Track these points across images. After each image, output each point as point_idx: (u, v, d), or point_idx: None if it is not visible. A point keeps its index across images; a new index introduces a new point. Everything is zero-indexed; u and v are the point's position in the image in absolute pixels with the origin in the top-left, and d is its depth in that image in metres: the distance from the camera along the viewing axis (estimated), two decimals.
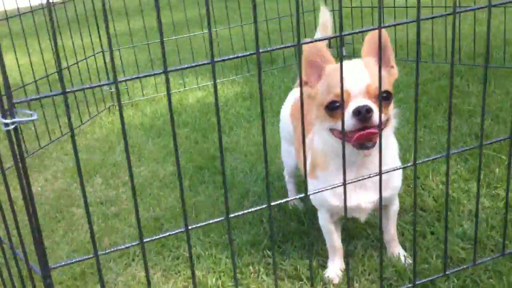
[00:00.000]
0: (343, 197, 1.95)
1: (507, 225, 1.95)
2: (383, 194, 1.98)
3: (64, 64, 4.33)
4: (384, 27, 1.59)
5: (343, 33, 1.51)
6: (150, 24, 4.71)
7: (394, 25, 1.61)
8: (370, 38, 1.87)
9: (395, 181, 2.00)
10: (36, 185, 3.37)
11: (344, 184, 1.64)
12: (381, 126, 1.70)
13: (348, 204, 1.95)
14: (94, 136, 4.14)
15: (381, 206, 1.80)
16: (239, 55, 1.46)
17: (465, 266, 1.98)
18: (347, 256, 1.97)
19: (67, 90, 1.20)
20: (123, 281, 2.33)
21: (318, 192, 1.74)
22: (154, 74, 1.34)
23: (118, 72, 4.33)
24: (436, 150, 3.03)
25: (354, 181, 1.69)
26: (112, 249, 1.51)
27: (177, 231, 1.54)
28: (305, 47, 1.86)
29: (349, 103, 1.76)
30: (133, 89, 5.01)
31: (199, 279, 2.24)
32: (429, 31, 4.56)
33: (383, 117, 1.80)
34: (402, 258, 2.15)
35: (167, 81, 1.33)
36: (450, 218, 2.38)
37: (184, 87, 4.90)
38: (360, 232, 2.39)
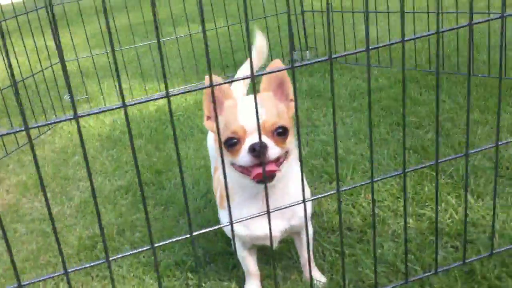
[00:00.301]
0: (250, 226, 2.00)
1: (407, 253, 1.98)
2: (292, 223, 2.02)
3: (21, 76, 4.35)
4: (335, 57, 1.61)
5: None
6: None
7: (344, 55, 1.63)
8: (268, 74, 1.89)
9: (302, 210, 2.03)
10: None
11: (269, 213, 1.66)
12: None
13: (256, 233, 1.99)
14: (52, 146, 4.17)
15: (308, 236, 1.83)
16: (236, 78, 1.49)
17: None
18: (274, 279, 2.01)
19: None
20: None
21: (225, 226, 1.79)
22: (156, 99, 1.40)
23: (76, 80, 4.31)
24: (374, 167, 3.06)
25: (259, 214, 1.71)
26: (37, 279, 1.59)
27: (98, 262, 1.61)
28: (206, 78, 1.89)
29: (246, 139, 1.79)
30: (96, 98, 5.03)
31: None
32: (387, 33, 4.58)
33: (281, 151, 1.82)
34: (316, 283, 2.19)
35: (169, 104, 1.37)
36: (371, 238, 2.41)
37: (147, 94, 4.93)
38: (283, 253, 2.43)
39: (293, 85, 1.62)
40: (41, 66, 4.59)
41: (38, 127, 1.38)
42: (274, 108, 1.85)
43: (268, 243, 2.07)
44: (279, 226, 2.00)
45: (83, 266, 1.62)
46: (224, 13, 4.98)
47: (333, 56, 1.53)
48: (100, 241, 2.75)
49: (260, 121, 1.79)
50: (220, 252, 2.49)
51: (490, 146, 1.94)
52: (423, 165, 1.98)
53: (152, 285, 2.37)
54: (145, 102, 1.48)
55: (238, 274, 2.33)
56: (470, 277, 2.09)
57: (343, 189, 1.80)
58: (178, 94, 1.56)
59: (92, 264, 1.65)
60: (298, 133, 1.62)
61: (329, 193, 1.80)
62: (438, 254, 2.23)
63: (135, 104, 1.43)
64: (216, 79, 1.92)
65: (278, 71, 1.84)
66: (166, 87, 1.39)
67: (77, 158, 3.86)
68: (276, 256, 2.41)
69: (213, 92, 1.49)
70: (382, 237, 2.44)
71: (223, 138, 1.83)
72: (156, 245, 1.58)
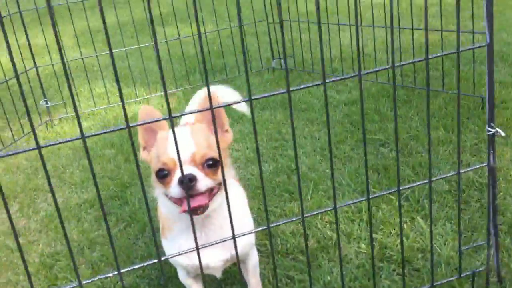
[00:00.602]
0: (191, 257, 2.03)
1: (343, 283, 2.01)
2: (233, 252, 2.05)
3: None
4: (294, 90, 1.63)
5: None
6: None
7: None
8: (201, 102, 1.93)
9: (244, 239, 2.06)
10: None
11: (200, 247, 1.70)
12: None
13: (197, 263, 2.02)
14: (26, 154, 4.19)
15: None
16: (235, 102, 1.53)
17: None
18: None
19: None
20: None
21: (169, 257, 1.83)
22: (165, 119, 1.47)
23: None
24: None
25: (188, 251, 1.75)
26: None
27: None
28: (140, 111, 1.92)
29: (176, 171, 1.81)
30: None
31: None
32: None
33: (213, 183, 1.85)
34: None
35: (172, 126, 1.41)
36: (322, 263, 2.46)
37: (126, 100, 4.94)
38: (235, 276, 2.46)
39: (252, 117, 1.64)
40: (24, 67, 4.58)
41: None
42: (205, 140, 1.87)
43: (211, 272, 2.11)
44: (221, 256, 2.03)
45: None
46: (214, 15, 5.00)
47: (362, 72, 1.57)
48: (59, 259, 2.79)
49: (190, 152, 1.82)
50: (175, 276, 2.52)
51: (452, 174, 1.97)
52: (386, 192, 2.00)
53: None
54: (102, 133, 1.51)
55: None
56: None
57: (307, 215, 1.82)
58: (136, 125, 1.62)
59: None
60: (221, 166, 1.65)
61: (292, 219, 1.85)
62: (384, 283, 2.28)
63: (91, 135, 1.46)
64: (154, 113, 1.95)
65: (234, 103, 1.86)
66: (126, 119, 1.41)
67: (49, 167, 3.88)
68: (227, 281, 2.45)
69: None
70: (333, 262, 2.48)
71: (155, 169, 1.86)
72: (122, 270, 1.61)
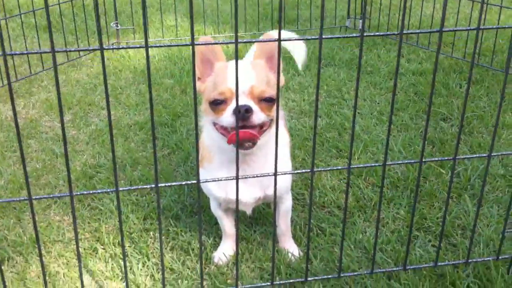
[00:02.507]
0: (226, 189, 2.02)
1: (377, 244, 1.95)
2: (267, 192, 2.02)
3: None
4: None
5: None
6: None
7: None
8: (262, 43, 1.89)
9: (281, 180, 2.02)
10: (9, 112, 3.54)
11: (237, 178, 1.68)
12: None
13: (231, 196, 2.01)
14: (88, 70, 4.26)
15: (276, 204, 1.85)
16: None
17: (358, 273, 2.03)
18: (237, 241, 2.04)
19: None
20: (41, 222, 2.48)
21: (204, 182, 1.81)
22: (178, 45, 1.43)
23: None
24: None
25: (227, 179, 1.72)
26: (42, 197, 1.69)
27: (104, 190, 1.70)
28: (199, 40, 1.89)
29: (232, 101, 1.78)
30: (140, 30, 5.07)
31: (101, 233, 2.36)
32: None
33: (266, 119, 1.82)
34: (289, 254, 2.20)
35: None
36: (357, 222, 2.40)
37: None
38: (266, 218, 2.44)
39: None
40: None
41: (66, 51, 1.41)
42: (264, 76, 1.84)
43: (242, 207, 2.09)
44: (254, 193, 2.01)
45: (89, 192, 1.70)
46: None
47: (404, 31, 1.51)
48: (101, 172, 2.83)
49: (249, 85, 1.79)
50: (208, 207, 2.52)
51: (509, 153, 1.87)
52: (441, 158, 1.92)
53: (135, 225, 2.43)
54: (167, 46, 1.49)
55: (218, 232, 2.36)
56: (439, 280, 2.05)
57: (354, 166, 1.78)
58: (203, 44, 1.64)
59: (99, 191, 1.81)
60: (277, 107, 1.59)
61: (337, 168, 1.87)
62: (416, 252, 2.21)
63: (156, 46, 1.44)
64: (206, 38, 1.93)
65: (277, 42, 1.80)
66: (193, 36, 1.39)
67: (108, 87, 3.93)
68: (258, 221, 2.43)
69: (193, 53, 1.47)
70: (368, 222, 2.41)
71: (210, 98, 1.83)
72: (160, 185, 1.63)
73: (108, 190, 2.14)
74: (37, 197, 1.78)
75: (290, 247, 2.24)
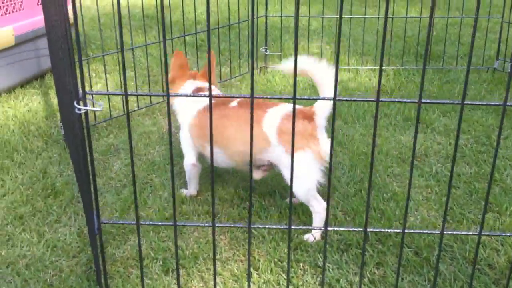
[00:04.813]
0: None
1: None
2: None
3: None
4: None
5: None
6: None
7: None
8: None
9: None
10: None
11: None
12: None
13: None
14: (238, 91, 4.49)
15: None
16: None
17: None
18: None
19: None
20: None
21: None
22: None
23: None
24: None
25: None
26: (185, 224, 1.89)
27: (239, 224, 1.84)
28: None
29: None
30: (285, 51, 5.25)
31: (253, 257, 2.50)
32: None
33: None
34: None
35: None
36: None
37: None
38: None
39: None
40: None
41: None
42: None
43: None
44: None
45: (230, 225, 1.84)
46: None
47: None
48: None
49: None
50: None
51: None
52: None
53: (285, 254, 2.55)
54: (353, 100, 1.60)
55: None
56: None
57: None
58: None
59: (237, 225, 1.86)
60: None
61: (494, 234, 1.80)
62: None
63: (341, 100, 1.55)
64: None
65: None
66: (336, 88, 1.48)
67: None
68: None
69: None
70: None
71: None
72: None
73: (241, 225, 2.25)
74: (181, 223, 2.09)
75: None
